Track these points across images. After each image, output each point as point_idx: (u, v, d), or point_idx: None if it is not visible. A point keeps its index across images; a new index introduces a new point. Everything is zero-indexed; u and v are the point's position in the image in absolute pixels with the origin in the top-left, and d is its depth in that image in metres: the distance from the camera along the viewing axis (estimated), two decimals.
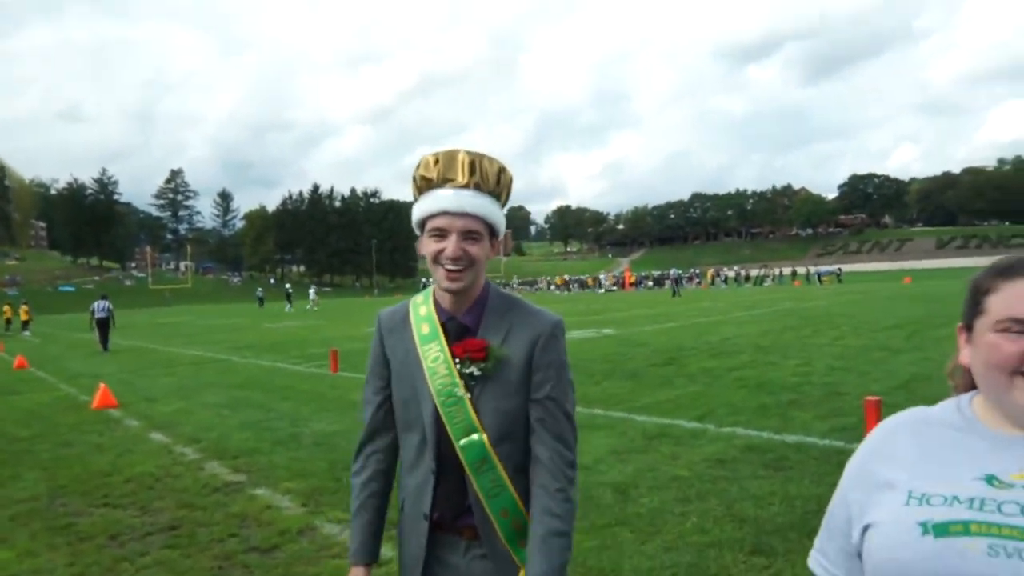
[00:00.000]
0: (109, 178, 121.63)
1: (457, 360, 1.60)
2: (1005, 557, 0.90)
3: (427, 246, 1.59)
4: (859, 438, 4.76)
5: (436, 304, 1.67)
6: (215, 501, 5.36)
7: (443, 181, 1.57)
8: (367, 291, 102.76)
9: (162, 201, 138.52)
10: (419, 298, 1.73)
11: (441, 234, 1.55)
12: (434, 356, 1.62)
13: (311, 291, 55.43)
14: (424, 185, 1.60)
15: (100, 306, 21.10)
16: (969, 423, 1.07)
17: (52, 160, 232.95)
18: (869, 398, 5.87)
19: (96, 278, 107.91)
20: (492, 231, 1.61)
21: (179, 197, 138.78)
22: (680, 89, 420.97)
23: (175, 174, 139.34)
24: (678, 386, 9.24)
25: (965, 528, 0.93)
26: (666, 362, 11.50)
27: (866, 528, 1.04)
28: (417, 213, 1.62)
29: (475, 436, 1.58)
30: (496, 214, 1.61)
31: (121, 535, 4.73)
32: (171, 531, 4.77)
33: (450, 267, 1.55)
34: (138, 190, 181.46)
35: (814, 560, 1.18)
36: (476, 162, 1.58)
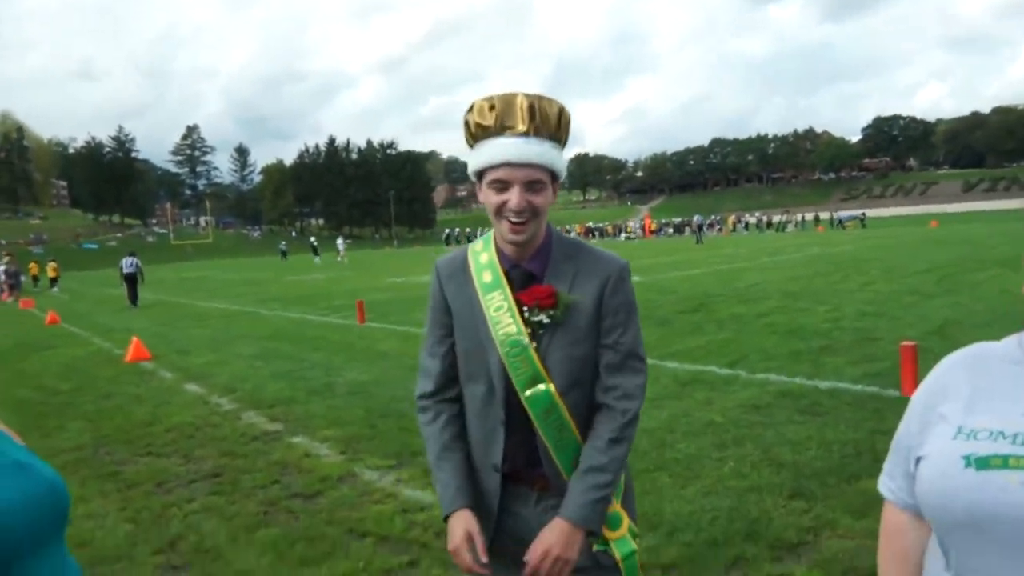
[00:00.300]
0: (126, 135, 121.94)
1: (525, 308, 1.55)
2: None
3: (487, 197, 1.53)
4: (894, 383, 4.73)
5: (498, 251, 1.61)
6: (255, 449, 5.47)
7: (501, 129, 1.49)
8: (387, 242, 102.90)
9: (180, 157, 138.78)
10: (478, 245, 1.67)
11: (503, 186, 1.50)
12: (497, 305, 1.57)
13: (339, 243, 55.59)
14: (480, 133, 1.52)
15: (128, 262, 21.42)
16: None
17: (69, 119, 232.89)
18: (905, 343, 5.83)
19: (119, 235, 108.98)
20: (554, 177, 1.55)
21: (196, 153, 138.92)
22: (698, 30, 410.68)
23: (191, 130, 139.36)
24: (708, 332, 9.21)
25: (1004, 462, 0.95)
26: (694, 309, 11.46)
27: (918, 460, 1.07)
28: (474, 163, 1.55)
29: (541, 386, 1.54)
30: (559, 160, 1.54)
31: (167, 482, 4.85)
32: (215, 478, 4.88)
33: (514, 220, 1.50)
34: (155, 147, 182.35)
35: (883, 483, 1.21)
36: (535, 105, 1.49)
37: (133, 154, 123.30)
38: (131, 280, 21.02)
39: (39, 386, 8.65)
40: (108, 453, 5.63)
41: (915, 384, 5.58)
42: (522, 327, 1.55)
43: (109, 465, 5.30)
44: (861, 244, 29.07)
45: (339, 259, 48.77)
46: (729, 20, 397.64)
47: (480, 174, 1.55)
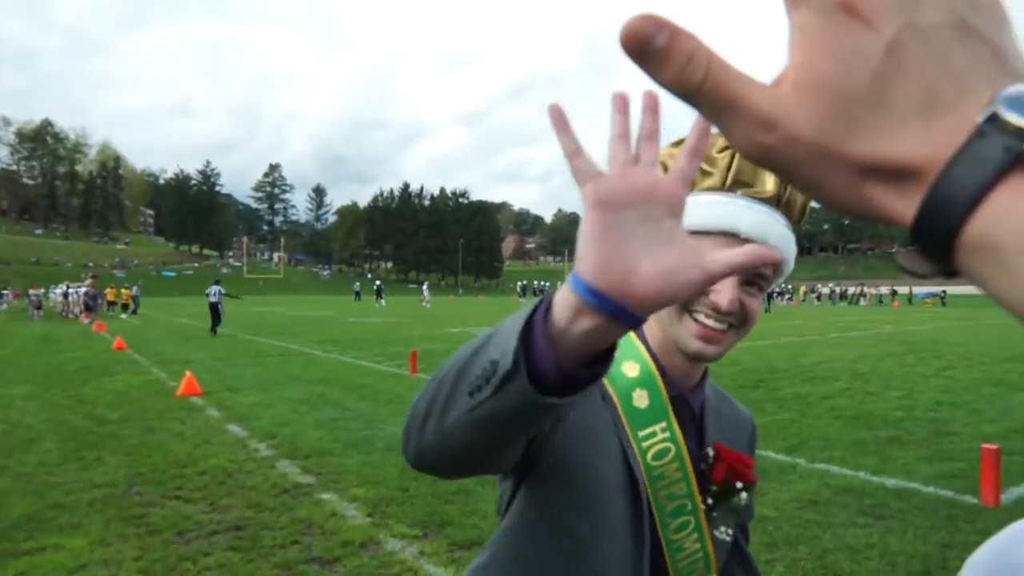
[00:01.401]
0: (212, 170, 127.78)
1: (716, 487, 1.05)
2: None
3: None
4: (971, 488, 4.23)
5: (658, 366, 1.06)
6: (282, 503, 5.31)
7: (735, 184, 1.01)
8: (451, 290, 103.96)
9: (260, 194, 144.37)
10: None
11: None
12: (660, 448, 1.02)
13: (424, 289, 56.77)
14: (697, 179, 1.04)
15: (213, 291, 22.44)
16: None
17: (163, 151, 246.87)
18: (986, 446, 5.32)
19: (196, 265, 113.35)
20: (776, 274, 1.06)
21: (276, 190, 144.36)
22: None
23: (273, 168, 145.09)
24: (768, 412, 8.73)
25: None
26: (755, 385, 10.96)
27: None
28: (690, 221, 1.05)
29: None
30: (792, 250, 1.06)
31: (188, 531, 4.72)
32: (236, 531, 4.72)
33: (711, 323, 0.98)
34: (239, 182, 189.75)
35: None
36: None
37: (217, 188, 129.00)
38: (214, 308, 21.93)
39: (91, 414, 8.76)
40: (139, 493, 5.55)
41: (996, 491, 5.11)
42: (696, 493, 1.04)
43: (136, 507, 5.21)
44: (939, 324, 27.73)
45: (424, 304, 49.50)
46: None
47: None
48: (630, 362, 1.06)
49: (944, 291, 61.50)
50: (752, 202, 0.99)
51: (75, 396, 10.18)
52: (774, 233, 0.99)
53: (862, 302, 60.11)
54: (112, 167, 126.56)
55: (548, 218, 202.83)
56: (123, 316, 31.84)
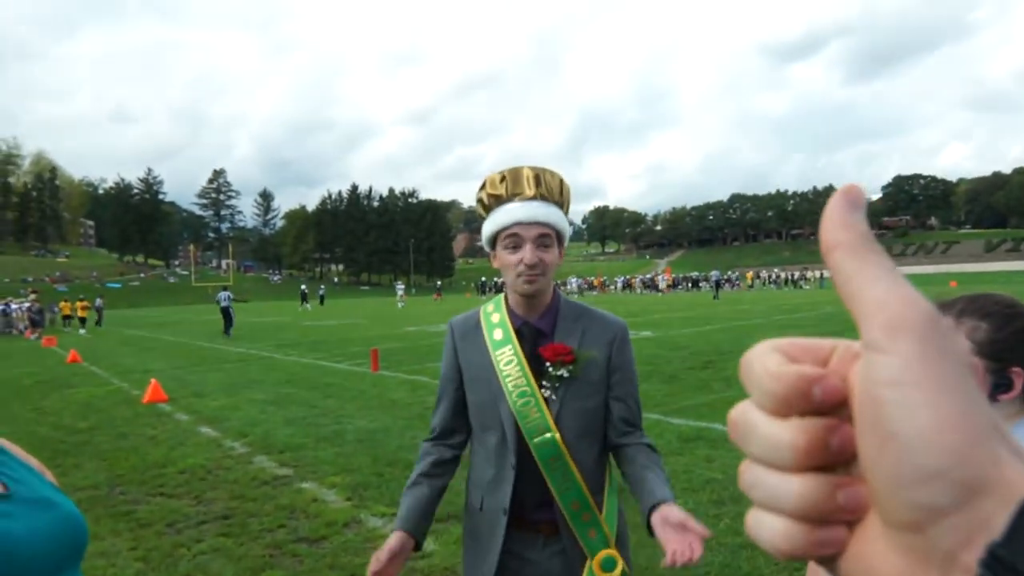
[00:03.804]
0: (154, 178, 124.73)
1: (548, 364, 1.72)
2: None
3: (502, 258, 1.74)
4: None
5: (509, 311, 1.81)
6: (264, 493, 5.61)
7: (512, 196, 1.72)
8: (405, 291, 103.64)
9: (205, 200, 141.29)
10: (489, 306, 1.86)
11: (516, 244, 1.71)
12: (507, 359, 1.74)
13: (399, 289, 56.61)
14: (493, 203, 1.75)
15: (222, 296, 25.05)
16: None
17: (101, 160, 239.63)
18: None
19: (142, 275, 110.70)
20: (559, 237, 1.76)
21: (222, 196, 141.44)
22: (722, 88, 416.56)
23: (218, 174, 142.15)
24: (715, 390, 9.29)
25: None
26: (704, 366, 11.53)
27: None
28: (490, 228, 1.76)
29: (548, 435, 1.68)
30: (563, 221, 1.76)
31: (178, 522, 5.00)
32: (224, 520, 5.01)
33: (528, 273, 1.69)
34: (183, 190, 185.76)
35: None
36: (540, 175, 1.74)
37: (160, 196, 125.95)
38: (225, 313, 24.41)
39: (58, 424, 8.86)
40: (122, 493, 5.79)
41: None
42: (531, 379, 1.71)
43: (123, 504, 5.45)
44: None
45: (399, 304, 49.36)
46: (753, 79, 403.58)
47: (494, 239, 1.75)
48: (496, 313, 1.82)
49: None
50: (523, 202, 1.71)
51: (38, 409, 10.22)
52: (542, 213, 1.70)
53: (804, 285, 61.95)
54: (48, 178, 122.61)
55: None
56: (81, 331, 30.84)
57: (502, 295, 1.86)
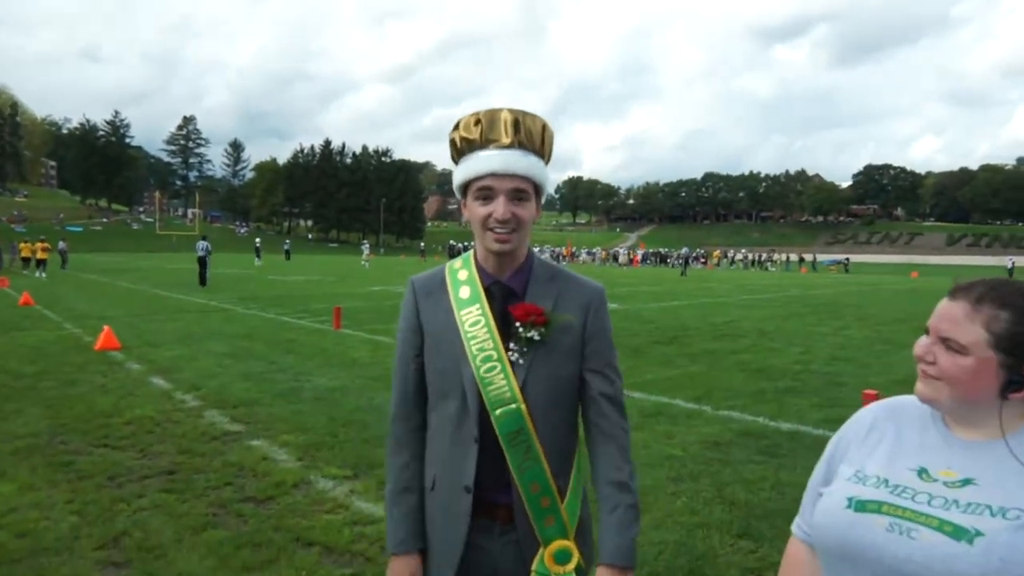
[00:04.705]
0: (122, 121, 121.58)
1: (518, 324, 1.53)
2: (898, 534, 1.09)
3: (472, 210, 1.54)
4: None
5: (479, 268, 1.61)
6: (213, 449, 5.43)
7: (486, 142, 1.52)
8: (373, 249, 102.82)
9: (173, 147, 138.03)
10: (456, 263, 1.67)
11: (488, 196, 1.51)
12: (474, 320, 1.55)
13: (364, 247, 55.58)
14: (465, 147, 1.55)
15: (201, 246, 24.38)
16: (935, 420, 1.23)
17: (67, 100, 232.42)
18: (867, 391, 5.90)
19: (104, 220, 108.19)
20: (538, 191, 1.57)
21: (191, 144, 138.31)
22: (706, 66, 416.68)
23: (188, 120, 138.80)
24: (679, 365, 9.27)
25: (878, 507, 1.13)
26: (669, 341, 11.53)
27: (820, 495, 1.25)
28: (460, 176, 1.56)
29: (512, 405, 1.50)
30: (543, 173, 1.57)
31: (119, 476, 4.81)
32: (168, 476, 4.84)
33: (499, 229, 1.51)
34: (152, 135, 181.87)
35: (795, 522, 1.38)
36: (519, 120, 1.53)
37: (127, 140, 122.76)
38: (202, 263, 23.92)
39: (3, 368, 8.55)
40: (63, 443, 5.56)
41: None
42: (499, 342, 1.53)
43: (63, 455, 5.24)
44: (841, 289, 29.35)
45: (363, 263, 48.60)
46: (737, 58, 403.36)
47: (465, 188, 1.56)
48: (463, 270, 1.63)
49: (847, 259, 64.66)
50: (499, 150, 1.51)
51: None
52: (519, 164, 1.51)
53: (771, 267, 62.63)
54: (9, 114, 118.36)
55: None
56: (39, 274, 29.57)
57: (471, 251, 1.66)
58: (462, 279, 1.62)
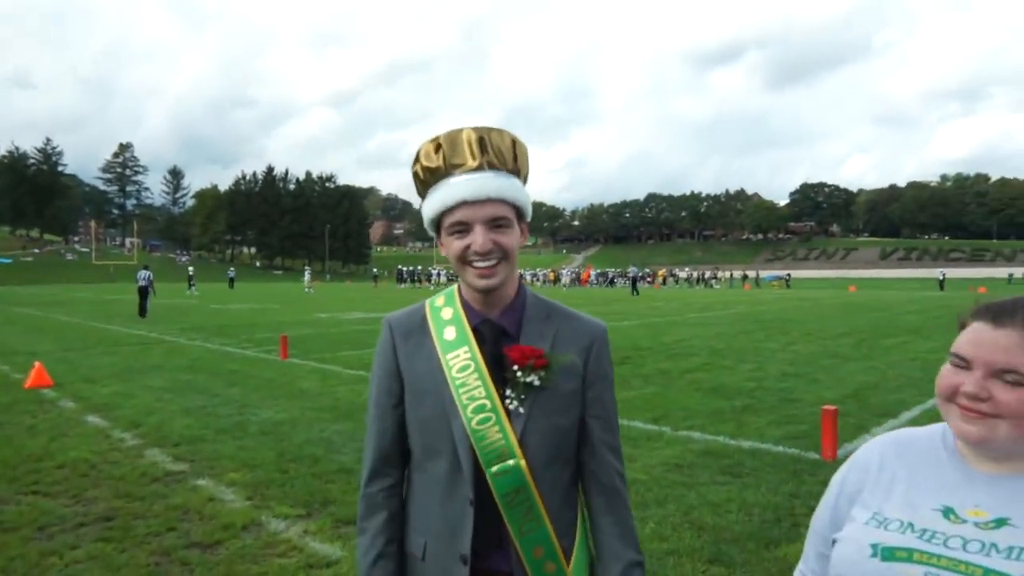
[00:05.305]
0: (54, 148, 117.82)
1: (517, 368, 1.35)
2: None
3: (449, 245, 1.36)
4: (813, 446, 4.76)
5: (464, 305, 1.43)
6: (154, 492, 5.11)
7: (451, 168, 1.34)
8: (318, 276, 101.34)
9: (109, 175, 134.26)
10: (439, 300, 1.48)
11: (464, 228, 1.33)
12: (462, 364, 1.37)
13: (307, 274, 54.63)
14: (429, 178, 1.37)
15: (142, 275, 23.64)
16: (949, 453, 1.12)
17: None
18: (826, 407, 5.91)
19: (36, 251, 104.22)
20: (519, 214, 1.39)
21: (127, 172, 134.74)
22: (644, 90, 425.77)
23: (124, 148, 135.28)
24: (634, 387, 9.21)
25: (909, 555, 1.03)
26: (621, 361, 11.49)
27: (834, 542, 1.14)
28: (429, 210, 1.38)
29: (511, 461, 1.33)
30: (520, 193, 1.38)
31: (50, 526, 4.46)
32: (105, 523, 4.51)
33: (480, 263, 1.33)
34: (87, 163, 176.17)
35: (798, 569, 1.27)
36: (485, 138, 1.35)
37: (60, 168, 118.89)
38: (142, 292, 23.20)
39: None
40: None
41: (834, 447, 5.68)
42: (492, 389, 1.35)
43: None
44: (784, 304, 29.96)
45: (307, 290, 47.68)
46: (675, 82, 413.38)
47: (438, 223, 1.38)
48: (448, 308, 1.45)
49: (789, 274, 66.37)
50: (466, 174, 1.33)
51: None
52: (492, 187, 1.33)
53: (715, 285, 63.77)
54: None
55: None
56: None
57: (455, 287, 1.48)
58: (446, 318, 1.44)
